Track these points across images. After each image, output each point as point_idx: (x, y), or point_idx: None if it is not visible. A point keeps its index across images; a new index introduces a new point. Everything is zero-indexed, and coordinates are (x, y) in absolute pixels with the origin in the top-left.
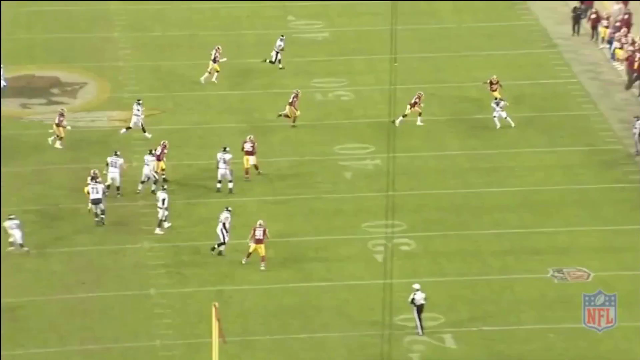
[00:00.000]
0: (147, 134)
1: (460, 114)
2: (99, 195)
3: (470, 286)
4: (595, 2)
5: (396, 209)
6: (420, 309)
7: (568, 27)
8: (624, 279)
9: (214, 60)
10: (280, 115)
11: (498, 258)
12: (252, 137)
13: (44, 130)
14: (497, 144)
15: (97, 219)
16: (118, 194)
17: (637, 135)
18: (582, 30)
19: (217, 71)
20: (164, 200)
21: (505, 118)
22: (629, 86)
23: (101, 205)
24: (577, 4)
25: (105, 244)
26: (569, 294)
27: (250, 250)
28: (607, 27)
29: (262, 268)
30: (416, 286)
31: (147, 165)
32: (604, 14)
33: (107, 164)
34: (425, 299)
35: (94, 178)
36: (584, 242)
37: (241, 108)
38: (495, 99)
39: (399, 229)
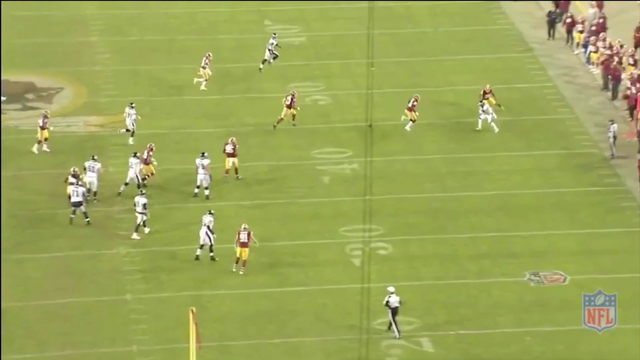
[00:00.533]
0: (131, 140)
1: (437, 118)
2: (80, 198)
3: (447, 290)
4: (570, 6)
5: (373, 213)
6: (394, 311)
7: (543, 31)
8: (600, 282)
9: (204, 67)
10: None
11: (475, 262)
12: (233, 139)
13: (20, 135)
14: (474, 147)
15: (81, 218)
16: (95, 199)
17: (611, 139)
18: (557, 35)
19: (206, 79)
20: (144, 205)
21: (490, 123)
22: (605, 88)
23: (82, 208)
24: (551, 8)
25: (82, 249)
26: (546, 297)
27: (238, 255)
28: (581, 31)
29: (241, 273)
30: (391, 289)
31: (132, 167)
32: (579, 18)
33: (85, 169)
34: (400, 302)
35: (75, 176)
36: (560, 246)
37: (219, 112)
38: (481, 103)
39: (376, 233)
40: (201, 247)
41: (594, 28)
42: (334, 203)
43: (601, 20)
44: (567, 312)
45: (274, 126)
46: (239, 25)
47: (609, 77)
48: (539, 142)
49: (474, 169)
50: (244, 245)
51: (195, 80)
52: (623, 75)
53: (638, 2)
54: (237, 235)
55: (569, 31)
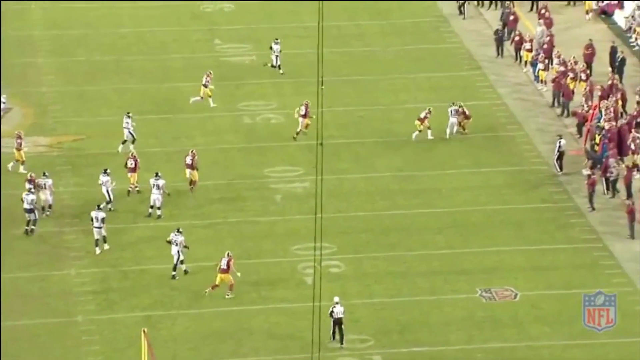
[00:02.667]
0: (132, 147)
1: (388, 136)
2: (29, 206)
3: (399, 307)
4: (519, 24)
5: (325, 232)
6: (338, 322)
7: (492, 49)
8: (550, 298)
9: (205, 86)
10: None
11: (427, 279)
12: (194, 150)
13: None
14: (424, 165)
15: (27, 227)
16: (47, 213)
17: (556, 154)
18: (506, 52)
19: (210, 96)
20: (103, 219)
21: (453, 132)
22: (555, 105)
23: (32, 215)
24: (499, 26)
25: (32, 270)
26: (497, 314)
27: (217, 282)
28: (530, 50)
29: (228, 296)
30: (336, 299)
31: (103, 185)
32: (527, 36)
33: (37, 186)
34: (344, 313)
35: (30, 181)
36: (510, 262)
37: (169, 132)
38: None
39: (329, 251)
40: (175, 266)
41: (545, 46)
42: (286, 221)
43: (548, 39)
44: (518, 328)
45: (294, 137)
46: (189, 45)
47: (560, 94)
48: (489, 159)
49: (424, 186)
50: (223, 271)
51: (192, 100)
52: (576, 92)
53: (588, 17)
54: (219, 262)
55: (518, 49)
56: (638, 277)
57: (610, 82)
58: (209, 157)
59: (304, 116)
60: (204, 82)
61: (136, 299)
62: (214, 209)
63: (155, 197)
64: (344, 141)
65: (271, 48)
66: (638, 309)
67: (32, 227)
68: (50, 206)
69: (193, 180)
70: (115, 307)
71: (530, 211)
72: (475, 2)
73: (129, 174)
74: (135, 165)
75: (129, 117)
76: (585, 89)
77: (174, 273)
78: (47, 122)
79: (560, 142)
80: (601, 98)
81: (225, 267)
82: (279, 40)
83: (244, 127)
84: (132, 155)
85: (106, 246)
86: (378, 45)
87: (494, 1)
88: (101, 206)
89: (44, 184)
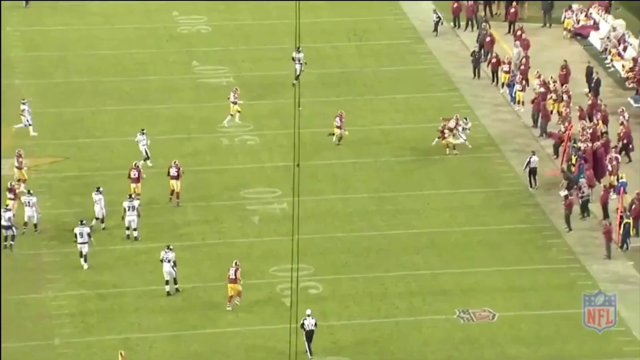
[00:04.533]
0: (149, 162)
1: (365, 157)
2: (7, 223)
3: (378, 328)
4: (495, 46)
5: (303, 253)
6: (309, 334)
7: (469, 70)
8: (528, 318)
9: (234, 103)
10: (330, 134)
11: (405, 300)
12: (177, 161)
13: None
14: (402, 186)
15: (5, 242)
16: (35, 231)
17: (527, 170)
18: (482, 74)
19: (239, 111)
20: (89, 234)
21: (465, 141)
22: (534, 125)
23: (10, 232)
24: (475, 48)
25: (9, 293)
26: (475, 334)
27: (230, 293)
28: (507, 72)
29: (237, 303)
30: (308, 312)
31: (97, 203)
32: (504, 58)
33: (18, 198)
34: (315, 325)
35: (11, 190)
36: (488, 283)
37: (130, 167)
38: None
39: (307, 272)
40: (167, 282)
41: (522, 67)
42: (264, 243)
43: (524, 60)
44: (496, 349)
45: (338, 144)
46: (167, 66)
47: (539, 114)
48: (466, 180)
49: (402, 207)
50: (232, 281)
51: (226, 121)
52: (555, 112)
53: (565, 34)
54: (227, 272)
55: (494, 71)
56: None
57: (590, 102)
58: (187, 178)
59: (339, 127)
60: (232, 100)
61: (113, 321)
62: (192, 230)
63: (131, 218)
64: (321, 162)
65: (293, 59)
66: (615, 330)
67: (11, 242)
68: (36, 225)
69: (176, 191)
70: (93, 330)
71: (508, 232)
72: (452, 24)
73: (132, 185)
74: (139, 175)
75: (143, 133)
76: (564, 109)
77: (167, 290)
78: (25, 144)
79: (530, 158)
80: (580, 118)
81: (233, 276)
82: (301, 49)
83: (222, 149)
84: (135, 165)
85: (86, 265)
86: (355, 67)
87: (470, 23)
88: (93, 223)
89: (29, 202)
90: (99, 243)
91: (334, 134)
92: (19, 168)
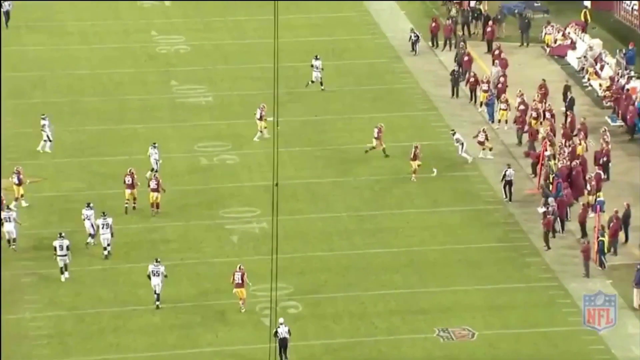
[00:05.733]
0: (149, 173)
1: (344, 176)
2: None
3: (357, 348)
4: (473, 65)
5: (283, 272)
6: (282, 342)
7: (447, 89)
8: (507, 337)
9: (260, 119)
10: (367, 150)
11: (385, 319)
12: (156, 174)
13: None
14: (381, 205)
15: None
16: (13, 247)
17: (503, 182)
18: (461, 93)
19: (266, 127)
20: (68, 246)
21: (462, 153)
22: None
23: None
24: (455, 67)
25: None
26: (455, 354)
27: (240, 296)
28: (486, 91)
29: (242, 310)
30: (280, 320)
31: (88, 219)
32: (483, 77)
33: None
34: (288, 333)
35: None
36: (467, 301)
37: (124, 173)
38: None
39: (286, 292)
40: (158, 296)
41: (499, 86)
42: (243, 262)
43: (502, 79)
44: None
45: (385, 155)
46: (146, 86)
47: (523, 133)
48: (445, 199)
49: (381, 226)
50: (238, 286)
51: (257, 137)
52: (542, 130)
53: (547, 51)
54: (232, 277)
55: (473, 90)
56: None
57: (570, 120)
58: (165, 197)
59: (377, 138)
60: (258, 116)
61: (92, 342)
62: (171, 249)
63: (105, 236)
64: (300, 181)
65: (312, 65)
66: (594, 348)
67: None
68: (14, 240)
69: (156, 202)
70: (71, 351)
71: (487, 250)
72: (430, 43)
73: (127, 190)
74: (133, 181)
75: (155, 147)
76: (547, 127)
77: (157, 303)
78: (2, 164)
79: (506, 171)
80: (563, 136)
81: (240, 281)
82: (319, 57)
83: (201, 168)
84: (130, 172)
85: (67, 274)
86: (335, 86)
87: (448, 42)
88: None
89: (9, 217)
90: (77, 263)
91: (374, 147)
92: (18, 184)
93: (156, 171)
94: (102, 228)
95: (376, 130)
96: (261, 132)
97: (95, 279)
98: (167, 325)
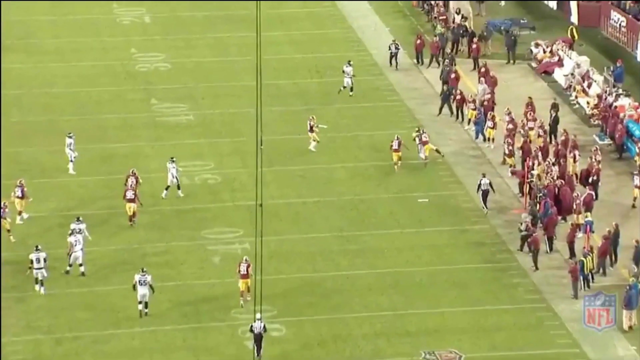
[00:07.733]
0: (180, 193)
1: (328, 196)
2: None
3: None
4: (460, 83)
5: (266, 294)
6: (257, 337)
7: (433, 107)
8: (494, 359)
9: (311, 130)
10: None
11: (370, 341)
12: (133, 184)
13: None
14: (365, 225)
15: None
16: None
17: (480, 192)
18: (446, 111)
19: (317, 141)
20: (45, 259)
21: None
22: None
23: None
24: (445, 86)
25: None
26: None
27: (242, 289)
28: (474, 109)
29: (247, 299)
30: (257, 315)
31: (78, 233)
32: (469, 95)
33: None
34: (264, 329)
35: None
36: (454, 323)
37: (105, 194)
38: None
39: (269, 314)
40: (140, 302)
41: (486, 104)
42: (226, 284)
43: (488, 96)
44: None
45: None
46: (125, 104)
47: (513, 150)
48: (430, 219)
49: (365, 246)
50: (244, 277)
51: (312, 146)
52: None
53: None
54: (237, 267)
55: (459, 107)
56: (582, 338)
57: (563, 139)
58: (146, 218)
59: (396, 151)
60: (309, 127)
61: None
62: (151, 271)
63: (77, 255)
64: (283, 201)
65: (344, 72)
66: None
67: None
68: None
69: (134, 211)
70: None
71: (474, 271)
72: (415, 60)
73: (127, 204)
74: (135, 195)
75: (173, 161)
76: (538, 144)
77: (146, 311)
78: None
79: (481, 181)
80: (555, 154)
81: (245, 272)
82: (352, 63)
83: (182, 188)
84: (130, 186)
85: (43, 290)
86: (317, 103)
87: (435, 59)
88: (39, 246)
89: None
90: (55, 285)
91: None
92: (21, 198)
93: (178, 187)
94: (76, 245)
95: (396, 142)
96: (317, 141)
97: (73, 303)
98: (147, 349)
